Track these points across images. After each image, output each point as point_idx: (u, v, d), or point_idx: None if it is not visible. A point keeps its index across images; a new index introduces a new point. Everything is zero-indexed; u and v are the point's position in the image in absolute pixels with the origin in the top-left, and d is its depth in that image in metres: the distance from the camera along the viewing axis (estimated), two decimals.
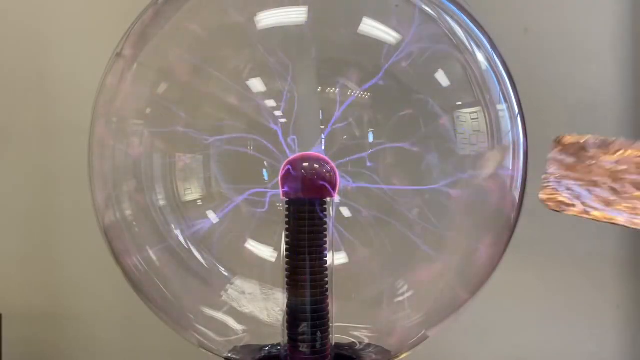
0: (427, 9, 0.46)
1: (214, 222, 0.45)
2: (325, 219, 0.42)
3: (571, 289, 0.70)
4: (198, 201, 0.44)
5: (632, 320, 0.69)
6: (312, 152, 0.42)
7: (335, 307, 0.43)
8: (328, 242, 0.43)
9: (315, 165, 0.42)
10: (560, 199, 0.43)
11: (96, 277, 0.71)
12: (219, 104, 0.45)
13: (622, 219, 0.42)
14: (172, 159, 0.45)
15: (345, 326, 0.46)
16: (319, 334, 0.42)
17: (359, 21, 0.43)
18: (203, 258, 0.45)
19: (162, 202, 0.44)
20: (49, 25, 0.73)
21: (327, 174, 0.42)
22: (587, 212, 0.42)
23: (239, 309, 0.45)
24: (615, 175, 0.43)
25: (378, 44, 0.43)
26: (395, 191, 0.44)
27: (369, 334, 0.47)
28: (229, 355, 0.45)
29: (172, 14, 0.47)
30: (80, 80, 0.64)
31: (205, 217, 0.44)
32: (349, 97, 0.43)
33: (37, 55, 0.73)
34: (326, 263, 0.43)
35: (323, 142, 0.42)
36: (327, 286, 0.43)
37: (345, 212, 0.44)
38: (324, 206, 0.42)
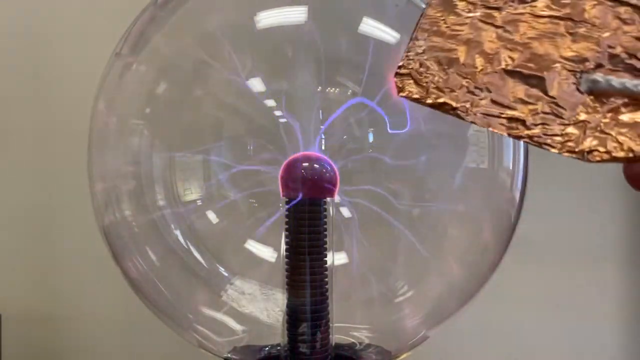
0: None
1: (214, 222, 0.44)
2: (325, 219, 0.42)
3: (572, 288, 0.70)
4: (198, 201, 0.44)
5: (633, 319, 0.69)
6: (312, 152, 0.42)
7: (335, 308, 0.43)
8: (328, 242, 0.43)
9: (315, 165, 0.42)
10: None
11: (96, 278, 0.71)
12: (219, 104, 0.45)
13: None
14: (172, 159, 0.45)
15: (345, 326, 0.46)
16: (319, 334, 0.42)
17: (359, 21, 0.43)
18: (203, 258, 0.45)
19: (161, 202, 0.44)
20: (49, 25, 0.73)
21: (327, 174, 0.42)
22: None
23: (238, 309, 0.45)
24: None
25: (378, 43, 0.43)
26: (395, 190, 0.44)
27: (369, 334, 0.47)
28: (229, 355, 0.45)
29: (171, 14, 0.47)
30: (79, 80, 0.64)
31: (205, 217, 0.44)
32: (348, 97, 0.43)
33: (37, 56, 0.73)
34: (326, 263, 0.43)
35: (323, 142, 0.42)
36: (327, 286, 0.43)
37: (345, 212, 0.44)
38: (324, 206, 0.42)
